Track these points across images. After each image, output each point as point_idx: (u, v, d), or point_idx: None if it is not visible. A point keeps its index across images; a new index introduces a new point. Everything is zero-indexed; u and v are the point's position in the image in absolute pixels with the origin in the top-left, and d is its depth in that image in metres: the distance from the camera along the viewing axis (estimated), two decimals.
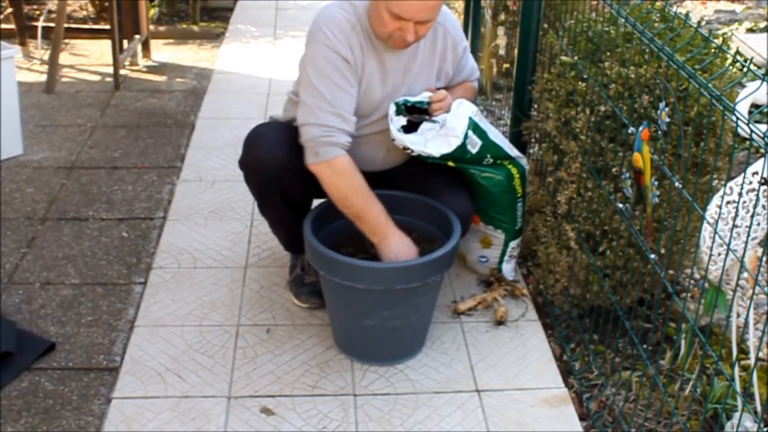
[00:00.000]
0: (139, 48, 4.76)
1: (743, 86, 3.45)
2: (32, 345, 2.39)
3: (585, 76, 2.37)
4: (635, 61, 2.25)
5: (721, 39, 4.28)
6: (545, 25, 2.84)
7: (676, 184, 1.88)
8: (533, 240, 2.75)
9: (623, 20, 2.19)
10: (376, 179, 2.52)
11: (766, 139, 1.49)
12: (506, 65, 3.69)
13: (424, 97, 2.40)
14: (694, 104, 2.14)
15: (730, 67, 2.20)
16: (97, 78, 4.51)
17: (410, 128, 2.39)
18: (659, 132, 2.10)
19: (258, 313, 2.57)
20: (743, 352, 2.33)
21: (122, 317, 2.55)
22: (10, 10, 4.70)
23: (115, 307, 2.60)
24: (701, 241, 2.01)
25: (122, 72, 4.47)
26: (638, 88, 2.19)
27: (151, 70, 4.69)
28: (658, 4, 2.41)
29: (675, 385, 2.27)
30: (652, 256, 2.04)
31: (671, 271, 2.49)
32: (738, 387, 2.06)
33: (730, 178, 1.91)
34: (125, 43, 4.55)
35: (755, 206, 1.88)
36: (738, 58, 1.75)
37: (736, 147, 1.84)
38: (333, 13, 2.30)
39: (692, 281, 2.68)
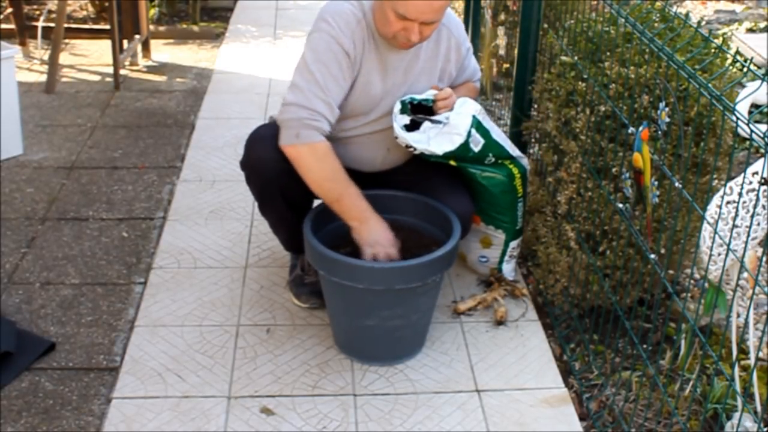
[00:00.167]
0: (139, 48, 4.76)
1: (743, 86, 3.45)
2: (32, 345, 2.39)
3: (585, 76, 2.37)
4: (635, 61, 2.25)
5: (721, 39, 4.28)
6: (545, 25, 2.84)
7: (676, 184, 1.88)
8: (533, 240, 2.75)
9: (623, 20, 2.19)
10: (376, 179, 2.52)
11: (766, 139, 1.49)
12: (506, 65, 3.69)
13: (429, 94, 2.41)
14: (694, 104, 2.14)
15: (730, 67, 2.20)
16: (97, 78, 4.51)
17: (412, 127, 2.39)
18: (659, 132, 2.10)
19: (258, 313, 2.57)
20: (743, 352, 2.33)
21: (122, 317, 2.55)
22: (10, 10, 4.70)
23: (115, 307, 2.60)
24: (701, 241, 2.01)
25: (122, 72, 4.47)
26: (638, 88, 2.19)
27: (151, 70, 4.69)
28: (658, 4, 2.41)
29: (675, 385, 2.27)
30: (652, 256, 2.04)
31: (671, 271, 2.49)
32: (738, 387, 2.06)
33: (730, 178, 1.91)
34: (125, 43, 4.56)
35: (755, 206, 1.88)
36: (738, 58, 1.75)
37: (736, 147, 1.84)
38: (341, 6, 2.31)
39: (692, 281, 2.68)
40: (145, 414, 2.16)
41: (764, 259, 1.75)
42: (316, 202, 2.47)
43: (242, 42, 5.18)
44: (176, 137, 3.80)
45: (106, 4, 4.57)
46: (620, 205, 2.21)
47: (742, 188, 1.82)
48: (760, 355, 2.34)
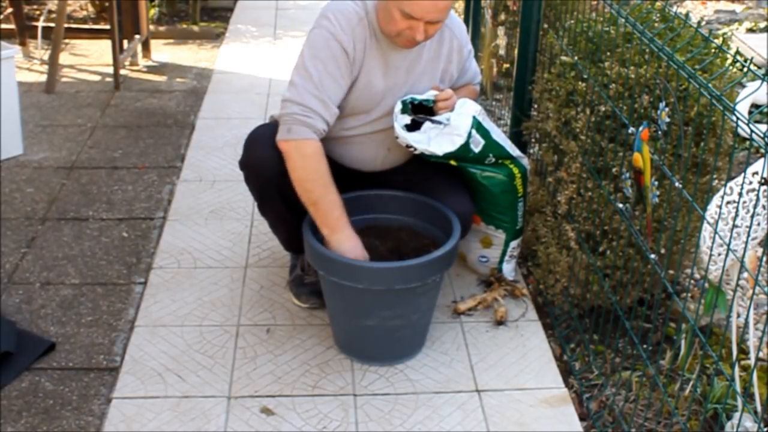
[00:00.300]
0: (139, 48, 4.76)
1: (743, 86, 3.45)
2: (32, 345, 2.39)
3: (585, 76, 2.37)
4: (635, 61, 2.25)
5: (721, 39, 4.28)
6: (545, 25, 2.84)
7: (676, 184, 1.88)
8: (533, 240, 2.75)
9: (623, 20, 2.19)
10: (376, 179, 2.52)
11: (766, 139, 1.49)
12: (506, 65, 3.69)
13: (430, 95, 2.41)
14: (694, 104, 2.14)
15: (730, 67, 2.20)
16: (97, 78, 4.51)
17: (413, 127, 2.39)
18: (659, 132, 2.10)
19: (258, 313, 2.57)
20: (743, 352, 2.33)
21: (122, 317, 2.55)
22: (10, 10, 4.70)
23: (115, 307, 2.60)
24: (701, 241, 2.01)
25: (122, 72, 4.47)
26: (638, 88, 2.19)
27: (151, 70, 4.69)
28: (658, 4, 2.41)
29: (675, 385, 2.27)
30: (652, 256, 2.04)
31: (671, 271, 2.49)
32: (738, 387, 2.05)
33: (730, 178, 1.91)
34: (125, 43, 4.55)
35: (755, 206, 1.88)
36: (738, 58, 1.75)
37: (736, 147, 1.84)
38: (343, 4, 2.31)
39: (692, 281, 2.68)
40: (145, 414, 2.16)
41: (764, 259, 1.75)
42: None
43: (242, 42, 5.18)
44: (176, 137, 3.80)
45: (106, 4, 4.57)
46: (620, 205, 2.21)
47: (742, 188, 1.82)
48: (760, 355, 2.34)
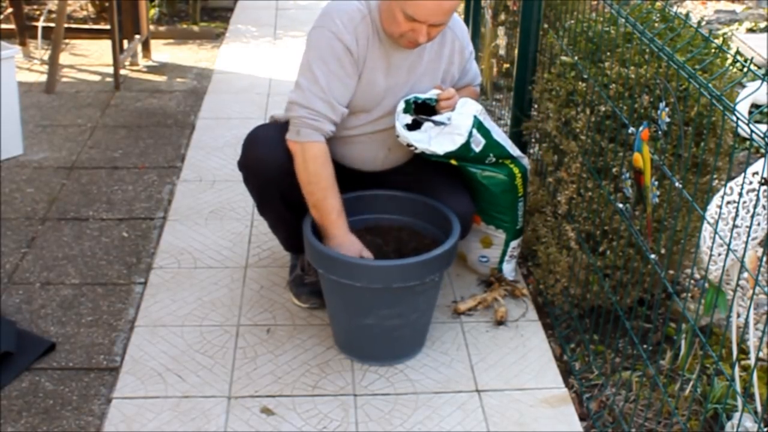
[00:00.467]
0: (139, 48, 4.76)
1: (743, 86, 3.45)
2: (32, 345, 2.39)
3: (585, 76, 2.37)
4: (635, 61, 2.25)
5: (721, 39, 4.28)
6: (545, 25, 2.84)
7: (677, 184, 1.88)
8: (533, 240, 2.75)
9: (623, 20, 2.19)
10: (376, 179, 2.52)
11: (766, 139, 1.49)
12: (506, 65, 3.69)
13: (432, 94, 2.41)
14: (695, 104, 2.14)
15: (730, 67, 2.20)
16: (97, 78, 4.51)
17: (414, 126, 2.39)
18: (659, 132, 2.10)
19: (258, 313, 2.57)
20: (743, 352, 2.33)
21: (122, 317, 2.55)
22: (10, 10, 4.70)
23: (115, 307, 2.60)
24: (701, 241, 2.01)
25: (122, 72, 4.47)
26: (638, 88, 2.19)
27: (151, 70, 4.69)
28: (658, 4, 2.41)
29: (675, 385, 2.27)
30: (652, 256, 2.04)
31: (671, 271, 2.49)
32: (738, 387, 2.05)
33: (730, 178, 1.91)
34: (125, 43, 4.55)
35: (755, 206, 1.88)
36: (738, 58, 1.75)
37: (736, 147, 1.84)
38: (346, 3, 2.30)
39: (692, 281, 2.68)
40: (145, 414, 2.16)
41: (764, 259, 1.75)
42: None
43: (242, 42, 5.18)
44: (176, 137, 3.80)
45: (106, 4, 4.57)
46: (620, 205, 2.21)
47: (742, 188, 1.82)
48: (760, 355, 2.34)
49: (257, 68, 4.69)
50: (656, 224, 2.21)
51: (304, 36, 2.41)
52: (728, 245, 1.77)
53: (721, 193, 1.94)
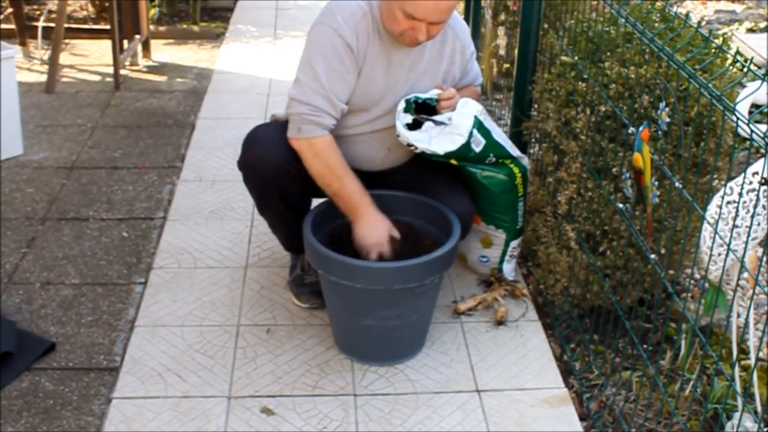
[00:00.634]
0: (140, 48, 4.76)
1: (743, 86, 3.45)
2: (32, 345, 2.39)
3: (585, 76, 2.37)
4: (635, 61, 2.25)
5: (721, 39, 4.28)
6: (545, 25, 2.84)
7: (677, 184, 1.88)
8: (533, 240, 2.75)
9: (623, 20, 2.19)
10: (376, 179, 2.52)
11: (766, 139, 1.49)
12: (506, 65, 3.69)
13: (433, 94, 2.41)
14: (695, 104, 2.14)
15: (731, 67, 2.20)
16: (97, 78, 4.51)
17: (415, 126, 2.39)
18: (659, 132, 2.10)
19: (258, 313, 2.57)
20: (743, 352, 2.33)
21: (122, 317, 2.55)
22: (10, 10, 4.70)
23: (115, 307, 2.60)
24: (701, 241, 2.01)
25: (122, 72, 4.47)
26: (638, 88, 2.19)
27: (151, 70, 4.69)
28: (658, 4, 2.41)
29: (675, 385, 2.27)
30: (653, 256, 2.04)
31: (671, 271, 2.49)
32: (738, 387, 2.05)
33: (730, 178, 1.91)
34: (125, 43, 4.55)
35: (755, 206, 1.88)
36: (738, 58, 1.75)
37: (736, 147, 1.84)
38: (347, 1, 2.30)
39: (692, 281, 2.68)
40: (146, 414, 2.16)
41: (764, 259, 1.75)
42: (315, 202, 2.47)
43: (242, 42, 5.18)
44: (176, 137, 3.80)
45: (106, 4, 4.57)
46: (620, 205, 2.21)
47: (742, 188, 1.82)
48: (760, 355, 2.34)
49: (257, 68, 4.69)
50: (656, 224, 2.21)
51: (304, 36, 2.41)
52: (728, 245, 1.77)
53: (721, 193, 1.94)
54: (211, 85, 4.44)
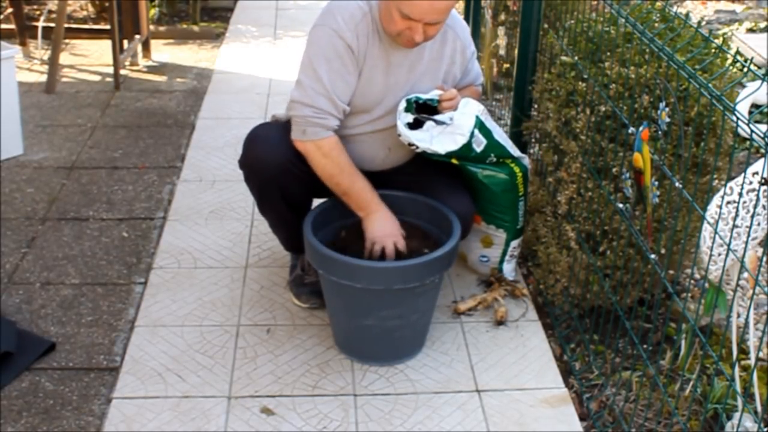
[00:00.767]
0: (140, 48, 4.76)
1: (743, 86, 3.45)
2: (32, 345, 2.39)
3: (585, 76, 2.37)
4: (635, 61, 2.25)
5: (721, 39, 4.28)
6: (545, 25, 2.84)
7: (677, 184, 1.88)
8: (533, 240, 2.75)
9: (623, 20, 2.19)
10: (376, 179, 2.52)
11: (766, 139, 1.49)
12: (506, 65, 3.69)
13: (434, 94, 2.41)
14: (695, 104, 2.14)
15: (731, 67, 2.20)
16: (97, 78, 4.51)
17: (416, 126, 2.39)
18: (659, 132, 2.10)
19: (258, 313, 2.57)
20: (743, 352, 2.33)
21: (122, 317, 2.55)
22: (10, 10, 4.70)
23: (115, 307, 2.60)
24: (701, 241, 2.01)
25: (122, 72, 4.47)
26: (638, 88, 2.19)
27: (151, 70, 4.69)
28: (658, 4, 2.42)
29: (675, 385, 2.27)
30: (653, 256, 2.04)
31: (671, 271, 2.49)
32: (738, 387, 2.05)
33: (730, 178, 1.91)
34: (125, 43, 4.55)
35: (755, 206, 1.88)
36: (738, 58, 1.75)
37: (736, 147, 1.84)
38: (347, 1, 2.31)
39: (692, 281, 2.68)
40: (146, 414, 2.16)
41: (764, 259, 1.75)
42: (316, 202, 2.47)
43: (242, 42, 5.18)
44: (176, 137, 3.80)
45: (106, 4, 4.57)
46: (620, 205, 2.21)
47: (742, 188, 1.82)
48: (760, 355, 2.34)
49: (257, 68, 4.69)
50: (656, 224, 2.21)
51: (304, 36, 2.41)
52: (728, 245, 1.77)
53: (721, 193, 1.94)
54: (211, 85, 4.44)
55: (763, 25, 5.70)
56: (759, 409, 2.04)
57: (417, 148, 2.37)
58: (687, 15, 1.96)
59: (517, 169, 2.55)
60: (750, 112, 3.49)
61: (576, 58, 2.46)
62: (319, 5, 2.59)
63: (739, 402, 2.02)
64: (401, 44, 2.30)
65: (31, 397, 2.23)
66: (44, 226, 3.05)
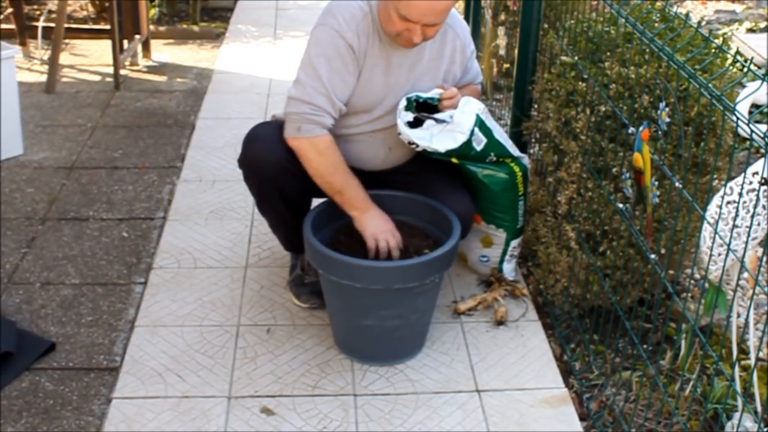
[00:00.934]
0: (140, 48, 4.76)
1: (743, 86, 3.45)
2: (32, 345, 2.39)
3: (585, 76, 2.37)
4: (635, 61, 2.25)
5: (721, 39, 4.28)
6: (545, 25, 2.84)
7: (677, 184, 1.88)
8: (533, 240, 2.75)
9: (623, 20, 2.19)
10: (376, 178, 2.52)
11: (766, 139, 1.49)
12: (506, 65, 3.69)
13: (435, 93, 2.41)
14: (695, 104, 2.14)
15: (731, 67, 2.20)
16: (97, 78, 4.51)
17: (416, 124, 2.39)
18: (659, 132, 2.10)
19: (258, 313, 2.57)
20: (743, 352, 2.33)
21: (122, 317, 2.55)
22: (10, 10, 4.70)
23: (115, 307, 2.60)
24: (701, 241, 2.01)
25: (122, 72, 4.47)
26: (638, 88, 2.19)
27: (151, 70, 4.69)
28: (658, 4, 2.42)
29: (675, 385, 2.27)
30: (653, 256, 2.04)
31: (671, 271, 2.49)
32: (738, 387, 2.05)
33: (730, 178, 1.91)
34: (125, 43, 4.55)
35: (755, 206, 1.87)
36: (738, 58, 1.75)
37: (736, 147, 1.84)
38: (348, 1, 2.31)
39: (692, 281, 2.68)
40: (146, 414, 2.16)
41: (764, 259, 1.75)
42: (315, 202, 2.47)
43: (242, 42, 5.18)
44: (176, 137, 3.80)
45: (106, 4, 4.57)
46: (620, 205, 2.21)
47: (742, 188, 1.82)
48: (760, 355, 2.34)
49: (257, 68, 4.69)
50: (656, 224, 2.21)
51: (304, 36, 2.41)
52: (728, 245, 1.77)
53: (721, 193, 1.94)
54: (211, 85, 4.44)
55: (763, 25, 5.70)
56: (759, 409, 2.04)
57: (417, 146, 2.37)
58: (687, 15, 1.96)
59: (516, 169, 2.55)
60: (750, 112, 3.49)
61: (576, 58, 2.46)
62: (319, 5, 2.59)
63: (739, 402, 2.02)
64: (400, 45, 2.30)
65: (31, 397, 2.23)
66: (44, 226, 3.05)
